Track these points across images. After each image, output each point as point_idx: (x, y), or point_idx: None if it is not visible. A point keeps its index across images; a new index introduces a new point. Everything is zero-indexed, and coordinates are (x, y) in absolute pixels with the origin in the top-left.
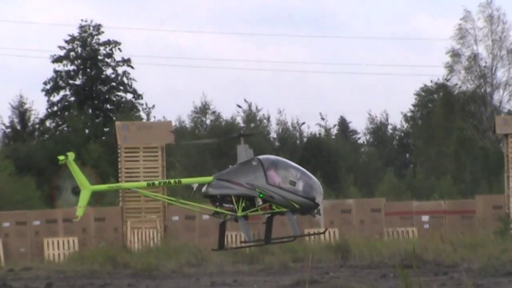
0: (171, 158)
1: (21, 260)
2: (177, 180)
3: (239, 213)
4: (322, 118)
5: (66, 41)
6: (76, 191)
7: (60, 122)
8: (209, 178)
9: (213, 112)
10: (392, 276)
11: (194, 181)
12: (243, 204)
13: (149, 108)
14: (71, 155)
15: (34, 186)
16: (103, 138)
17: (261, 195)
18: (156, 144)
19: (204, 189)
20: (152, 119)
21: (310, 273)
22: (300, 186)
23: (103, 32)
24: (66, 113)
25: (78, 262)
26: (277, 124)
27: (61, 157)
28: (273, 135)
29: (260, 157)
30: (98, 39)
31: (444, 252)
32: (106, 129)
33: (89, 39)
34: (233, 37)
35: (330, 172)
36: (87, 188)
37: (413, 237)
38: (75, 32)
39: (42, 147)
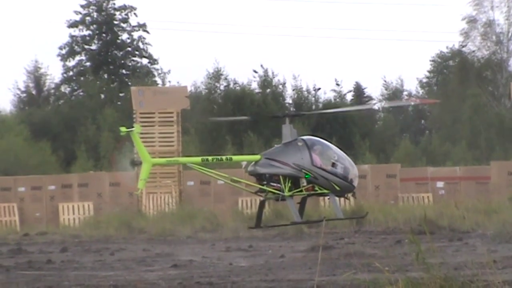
0: (186, 123)
1: (36, 224)
2: (228, 157)
3: (286, 193)
4: (338, 84)
5: (82, 6)
6: (136, 163)
7: (75, 87)
8: (256, 157)
9: (225, 78)
10: (407, 242)
11: (243, 158)
12: (289, 184)
13: (165, 73)
14: (137, 128)
15: (49, 151)
16: (119, 103)
17: (306, 176)
18: (172, 109)
19: (251, 167)
20: (167, 84)
21: (325, 239)
22: (340, 168)
23: None
24: (82, 78)
25: (93, 227)
26: (293, 90)
27: (123, 129)
28: (289, 100)
29: (304, 137)
30: (114, 4)
31: (459, 218)
32: (121, 94)
33: (104, 4)
34: (248, 2)
35: (345, 138)
36: (148, 161)
37: (428, 203)
38: None
39: (57, 112)
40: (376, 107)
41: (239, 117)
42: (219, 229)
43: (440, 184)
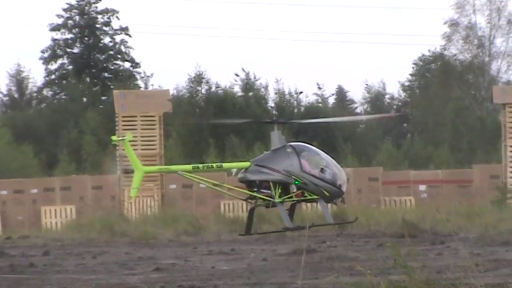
0: (169, 126)
1: (19, 228)
2: (218, 164)
3: (277, 199)
4: (319, 88)
5: (64, 10)
6: (128, 172)
7: (57, 91)
8: (246, 164)
9: (207, 82)
10: (388, 245)
11: (234, 166)
12: (279, 191)
13: (147, 77)
14: (129, 136)
15: (31, 155)
16: (101, 106)
17: (296, 182)
18: (154, 112)
19: (241, 174)
20: (150, 88)
21: (307, 242)
22: (328, 173)
23: (100, 0)
24: (64, 81)
25: (75, 230)
26: (275, 93)
27: (114, 137)
28: (271, 104)
29: (293, 144)
30: (96, 7)
31: (441, 221)
32: (103, 98)
33: (87, 8)
34: (231, 4)
35: (328, 141)
36: (139, 170)
37: (410, 207)
38: (73, 0)
39: (39, 116)
40: (361, 119)
41: (235, 120)
42: (201, 233)
43: (422, 187)
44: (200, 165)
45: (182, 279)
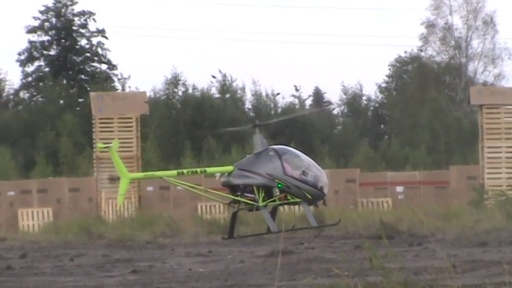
0: (146, 128)
1: None
2: (203, 169)
3: (261, 203)
4: (297, 89)
5: (41, 12)
6: (114, 179)
7: (34, 93)
8: (229, 168)
9: (184, 84)
10: (365, 247)
11: (217, 170)
12: (263, 194)
13: (124, 79)
14: (115, 144)
15: (8, 157)
16: (78, 108)
17: (279, 185)
18: (131, 114)
19: (224, 178)
20: (127, 90)
21: (285, 244)
22: (310, 176)
23: (77, 2)
24: (41, 83)
25: (53, 232)
26: (252, 95)
27: (100, 145)
28: (248, 105)
29: (275, 147)
30: (73, 9)
31: (418, 223)
32: (80, 100)
33: (63, 10)
34: (207, 6)
35: (305, 143)
36: (126, 176)
37: (388, 208)
38: (50, 2)
39: (16, 118)
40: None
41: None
42: (178, 235)
43: (399, 188)
44: (185, 171)
45: (159, 281)
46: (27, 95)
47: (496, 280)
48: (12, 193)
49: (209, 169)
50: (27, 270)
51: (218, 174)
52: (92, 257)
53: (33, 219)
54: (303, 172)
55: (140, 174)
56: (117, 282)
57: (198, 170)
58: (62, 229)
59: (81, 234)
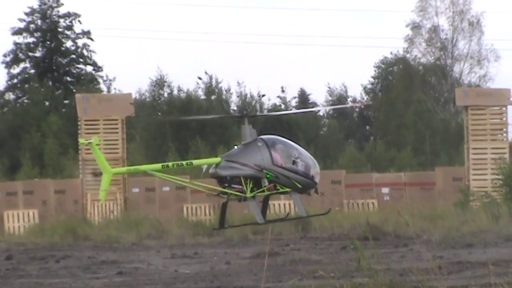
0: (131, 130)
1: None
2: (189, 162)
3: (248, 194)
4: (283, 91)
5: (26, 13)
6: (96, 174)
7: (20, 95)
8: (217, 159)
9: (169, 85)
10: (352, 248)
11: (204, 162)
12: (251, 185)
13: (110, 80)
14: (95, 139)
15: None
16: (63, 110)
17: (267, 176)
18: (116, 116)
19: (212, 170)
20: (112, 91)
21: (270, 245)
22: (300, 165)
23: (62, 4)
24: (26, 85)
25: (38, 234)
26: (237, 96)
27: (82, 140)
28: (233, 107)
29: (264, 137)
30: (58, 11)
31: (404, 224)
32: (66, 102)
33: (49, 11)
34: (192, 8)
35: None
36: (108, 172)
37: (373, 209)
38: (35, 4)
39: (2, 120)
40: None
41: (207, 116)
42: (164, 236)
43: (385, 190)
44: (170, 164)
45: (145, 283)
46: (12, 96)
47: (482, 281)
48: None
49: (196, 161)
50: (12, 272)
51: (205, 166)
52: (78, 259)
53: (18, 221)
54: (293, 162)
55: (123, 169)
56: (103, 284)
57: (184, 162)
58: (48, 231)
59: (67, 236)
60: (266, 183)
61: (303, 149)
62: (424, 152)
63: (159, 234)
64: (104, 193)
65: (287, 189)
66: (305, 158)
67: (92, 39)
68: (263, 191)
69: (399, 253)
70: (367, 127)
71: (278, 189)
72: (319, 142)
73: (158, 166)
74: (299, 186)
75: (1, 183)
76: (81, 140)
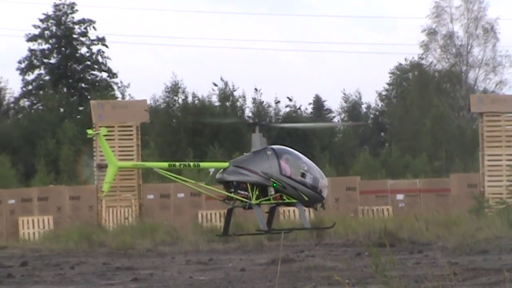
0: (146, 136)
1: None
2: (196, 163)
3: (254, 201)
4: (290, 100)
5: (41, 20)
6: (102, 166)
7: (35, 101)
8: (225, 164)
9: (183, 92)
10: (367, 255)
11: (211, 165)
12: (257, 193)
13: (124, 87)
14: (103, 130)
15: (8, 165)
16: (78, 117)
17: (274, 185)
18: (131, 123)
19: (219, 174)
20: (127, 98)
21: (285, 252)
22: (309, 178)
23: (77, 10)
24: (41, 92)
25: (53, 240)
26: (253, 103)
27: (89, 131)
28: (248, 113)
29: (274, 147)
30: (73, 17)
31: (419, 231)
32: (81, 108)
33: (63, 18)
34: (207, 14)
35: (305, 151)
36: (113, 164)
37: (388, 216)
38: (50, 10)
39: (16, 126)
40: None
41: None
42: (179, 242)
43: (400, 196)
44: (177, 163)
45: None
46: (27, 103)
47: (497, 287)
48: (12, 201)
49: (203, 164)
50: (28, 278)
51: (211, 170)
52: (93, 265)
53: (33, 227)
54: (302, 174)
55: (129, 163)
56: None
57: (191, 163)
58: (62, 237)
59: (81, 242)
60: (273, 192)
61: (312, 163)
62: (439, 158)
63: (174, 240)
64: (107, 185)
65: (293, 200)
66: (314, 172)
67: (106, 46)
68: (269, 199)
69: (414, 260)
70: (382, 133)
71: (284, 200)
72: (334, 148)
73: (165, 164)
74: (306, 198)
75: (16, 189)
76: (88, 131)
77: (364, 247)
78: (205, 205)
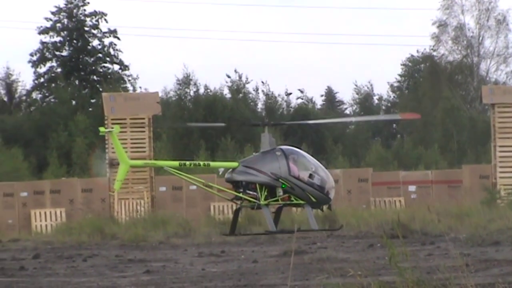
0: (158, 129)
1: (9, 231)
2: (206, 163)
3: (262, 202)
4: (301, 92)
5: (53, 13)
6: (113, 164)
7: (47, 94)
8: (234, 164)
9: (195, 84)
10: (379, 246)
11: (221, 165)
12: (265, 193)
13: (134, 79)
14: (116, 128)
15: (21, 158)
16: (90, 109)
17: (283, 186)
18: (143, 115)
19: (228, 174)
20: (138, 90)
21: (297, 244)
22: (317, 179)
23: (88, 3)
24: (53, 84)
25: (66, 233)
26: (265, 95)
27: (102, 129)
28: (261, 105)
29: (283, 147)
30: (84, 10)
31: (431, 222)
32: (93, 101)
33: (75, 10)
34: (219, 6)
35: (317, 143)
36: (125, 163)
37: (400, 207)
38: (61, 3)
39: (28, 119)
40: (352, 120)
41: (215, 124)
42: (191, 235)
43: (412, 188)
44: (187, 162)
45: (172, 282)
46: (39, 96)
47: (509, 279)
48: (25, 194)
49: (213, 163)
50: (40, 270)
51: (221, 169)
52: (105, 258)
53: (46, 219)
54: (310, 175)
55: (140, 162)
56: (130, 282)
57: (201, 163)
58: (75, 229)
59: (94, 235)
60: (281, 193)
61: (320, 164)
62: (451, 150)
63: (186, 232)
64: (119, 184)
65: (301, 202)
66: (322, 173)
67: (118, 38)
68: (277, 200)
69: (426, 251)
70: (394, 125)
71: (292, 201)
72: (346, 140)
73: (176, 163)
74: (313, 199)
75: (28, 182)
76: (101, 129)
77: (376, 239)
78: (217, 197)
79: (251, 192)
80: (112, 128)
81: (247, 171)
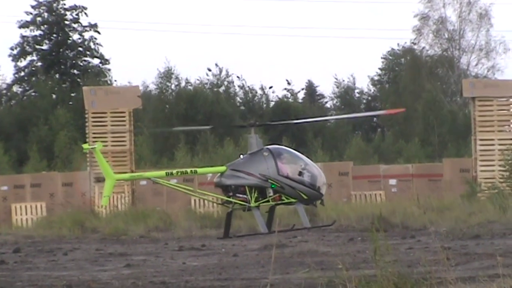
0: (139, 123)
1: None
2: (193, 170)
3: (252, 204)
4: (289, 83)
5: (33, 7)
6: (100, 180)
7: (27, 88)
8: (222, 168)
9: (176, 78)
10: (359, 240)
11: (209, 171)
12: (255, 195)
13: (109, 70)
14: (99, 145)
15: (1, 152)
16: (70, 103)
17: (272, 186)
18: (124, 109)
19: (216, 179)
20: (114, 84)
21: (278, 237)
22: (307, 176)
23: None
24: (33, 78)
25: (46, 227)
26: (241, 88)
27: (85, 146)
28: (239, 100)
29: (270, 147)
30: (64, 4)
31: (412, 216)
32: (73, 94)
33: (55, 4)
34: (199, 0)
35: (298, 136)
36: (111, 178)
37: (381, 201)
38: None
39: (9, 113)
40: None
41: (203, 127)
42: (172, 228)
43: (392, 181)
44: (174, 171)
45: (153, 275)
46: (19, 89)
47: (490, 272)
48: (5, 187)
49: (200, 170)
50: (20, 264)
51: (209, 175)
52: (86, 252)
53: (26, 213)
54: (299, 173)
55: (126, 175)
56: (111, 276)
57: (188, 170)
58: (55, 223)
59: (74, 229)
60: (271, 193)
61: (310, 161)
62: (432, 143)
63: (166, 226)
64: (106, 199)
65: (293, 200)
66: (312, 170)
67: (98, 32)
68: (268, 201)
69: (407, 245)
70: (374, 118)
71: (283, 200)
72: (326, 133)
73: (163, 173)
74: (305, 197)
75: (8, 175)
76: (84, 146)
77: (356, 233)
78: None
79: (241, 195)
80: (95, 145)
81: (235, 175)
